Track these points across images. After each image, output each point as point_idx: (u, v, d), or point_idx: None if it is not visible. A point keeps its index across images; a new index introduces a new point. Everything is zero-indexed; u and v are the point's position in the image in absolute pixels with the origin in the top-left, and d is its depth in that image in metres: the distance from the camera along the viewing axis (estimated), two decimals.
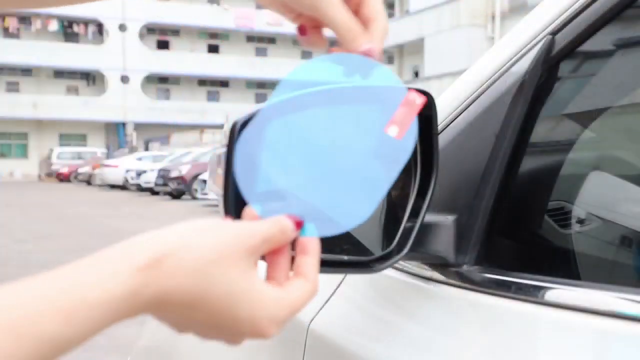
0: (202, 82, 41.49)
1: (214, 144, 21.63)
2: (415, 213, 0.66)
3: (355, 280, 0.85)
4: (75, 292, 0.35)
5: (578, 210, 0.73)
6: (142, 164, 22.49)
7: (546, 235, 0.76)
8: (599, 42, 0.69)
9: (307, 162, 0.59)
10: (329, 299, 0.86)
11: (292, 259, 0.49)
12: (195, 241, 0.41)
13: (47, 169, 33.42)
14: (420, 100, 0.56)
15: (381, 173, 0.61)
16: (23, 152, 39.00)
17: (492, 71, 0.75)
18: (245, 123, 0.54)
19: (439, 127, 0.78)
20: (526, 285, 0.61)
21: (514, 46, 0.73)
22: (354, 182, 0.62)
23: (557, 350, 0.55)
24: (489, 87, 0.74)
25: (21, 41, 36.86)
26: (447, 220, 0.72)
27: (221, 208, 0.55)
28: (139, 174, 21.41)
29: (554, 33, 0.69)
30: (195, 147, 22.82)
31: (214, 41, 41.76)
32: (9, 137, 38.64)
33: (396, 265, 0.78)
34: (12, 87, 38.17)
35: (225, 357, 1.01)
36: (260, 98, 40.94)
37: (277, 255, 0.47)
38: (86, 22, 37.64)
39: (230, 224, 0.45)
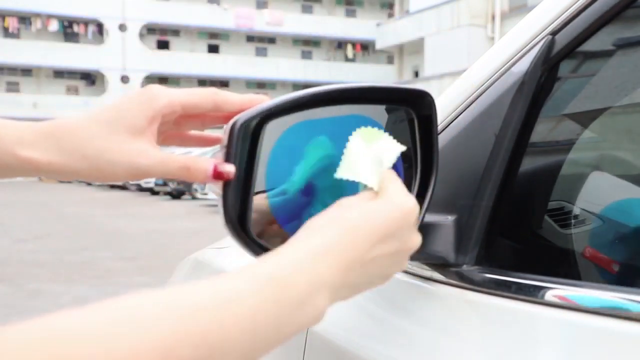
0: (202, 82, 41.47)
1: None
2: None
3: None
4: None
5: (578, 210, 0.73)
6: None
7: (546, 235, 0.76)
8: (599, 42, 0.69)
9: (314, 165, 0.60)
10: None
11: None
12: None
13: None
14: None
15: None
16: None
17: (492, 71, 0.75)
18: (244, 122, 0.54)
19: (439, 127, 0.78)
20: (526, 285, 0.61)
21: (514, 46, 0.73)
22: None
23: (557, 350, 0.55)
24: (489, 87, 0.74)
25: (21, 41, 36.86)
26: (447, 220, 0.72)
27: (220, 208, 0.55)
28: None
29: (554, 33, 0.69)
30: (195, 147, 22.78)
31: (214, 41, 41.76)
32: None
33: None
34: (12, 87, 38.17)
35: None
36: None
37: None
38: (86, 22, 37.64)
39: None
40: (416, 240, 0.55)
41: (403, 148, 0.57)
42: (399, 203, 0.52)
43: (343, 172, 0.54)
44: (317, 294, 0.45)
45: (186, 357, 0.35)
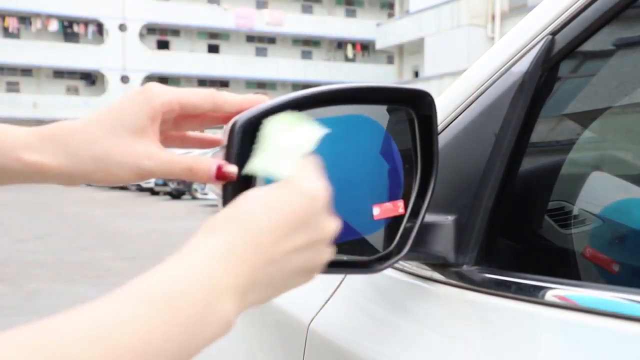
0: (202, 82, 41.47)
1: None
2: (415, 213, 0.66)
3: (355, 280, 0.85)
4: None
5: (578, 210, 0.73)
6: None
7: (546, 235, 0.76)
8: (599, 42, 0.69)
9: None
10: (329, 299, 0.86)
11: None
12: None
13: None
14: (401, 210, 0.65)
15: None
16: None
17: (492, 71, 0.75)
18: (244, 122, 0.54)
19: (439, 127, 0.78)
20: (526, 285, 0.61)
21: (514, 46, 0.73)
22: (367, 190, 0.63)
23: (557, 350, 0.55)
24: (489, 87, 0.74)
25: (21, 41, 36.86)
26: (447, 220, 0.72)
27: (220, 207, 0.55)
28: None
29: (554, 33, 0.69)
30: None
31: (214, 41, 41.75)
32: None
33: (396, 265, 0.78)
34: (12, 87, 38.17)
35: (225, 357, 1.01)
36: None
37: None
38: (86, 22, 37.66)
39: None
40: (330, 226, 0.50)
41: (323, 132, 0.53)
42: (305, 189, 0.48)
43: (254, 166, 0.50)
44: (219, 303, 0.41)
45: None
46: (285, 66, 40.89)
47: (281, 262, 0.46)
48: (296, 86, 40.13)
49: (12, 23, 35.86)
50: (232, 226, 0.44)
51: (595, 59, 0.74)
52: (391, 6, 40.56)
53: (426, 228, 0.71)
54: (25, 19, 36.43)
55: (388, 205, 0.64)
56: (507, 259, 0.74)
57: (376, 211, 0.63)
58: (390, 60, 39.75)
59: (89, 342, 0.34)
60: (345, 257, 0.64)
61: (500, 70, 0.73)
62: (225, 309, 0.41)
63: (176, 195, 17.93)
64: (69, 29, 37.69)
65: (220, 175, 0.53)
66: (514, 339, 0.59)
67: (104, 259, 7.74)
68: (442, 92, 0.84)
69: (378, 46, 33.56)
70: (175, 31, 41.11)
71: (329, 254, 0.51)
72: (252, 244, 0.44)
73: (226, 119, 0.57)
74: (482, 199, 0.70)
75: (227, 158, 0.54)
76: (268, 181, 0.58)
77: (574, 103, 0.77)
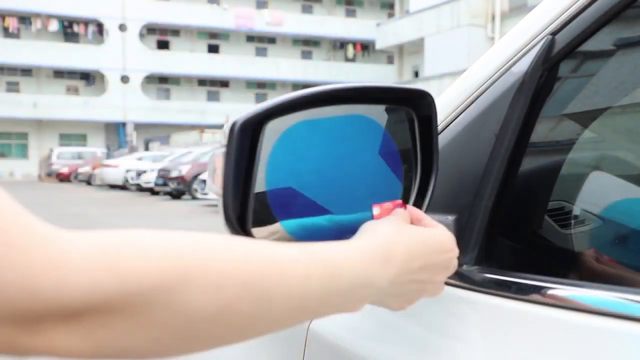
0: (202, 82, 41.48)
1: (214, 144, 21.61)
2: None
3: None
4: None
5: (578, 210, 0.73)
6: (142, 164, 22.45)
7: (546, 235, 0.76)
8: (599, 42, 0.69)
9: (317, 164, 0.60)
10: None
11: None
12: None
13: (47, 169, 33.38)
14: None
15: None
16: (23, 152, 38.97)
17: (492, 71, 0.75)
18: (244, 122, 0.54)
19: (439, 127, 0.78)
20: (526, 285, 0.61)
21: (514, 46, 0.73)
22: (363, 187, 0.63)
23: (557, 350, 0.55)
24: (489, 87, 0.74)
25: (21, 41, 36.85)
26: (447, 220, 0.72)
27: (220, 207, 0.55)
28: (139, 174, 21.37)
29: (554, 33, 0.69)
30: (195, 147, 22.78)
31: (214, 41, 41.74)
32: (9, 137, 38.61)
33: None
34: (12, 87, 38.15)
35: (225, 357, 1.01)
36: (260, 98, 40.90)
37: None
38: (86, 22, 37.65)
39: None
40: (447, 274, 0.60)
41: None
42: (448, 239, 0.59)
43: None
44: (363, 288, 0.50)
45: (235, 291, 0.41)
46: (285, 66, 40.88)
47: (407, 286, 0.56)
48: (296, 86, 40.12)
49: (12, 23, 35.86)
50: (400, 239, 0.55)
51: (595, 59, 0.74)
52: (391, 6, 40.56)
53: None
54: (25, 19, 36.42)
55: (388, 205, 0.64)
56: (507, 259, 0.74)
57: (376, 211, 0.63)
58: (390, 60, 39.75)
59: (256, 258, 0.43)
60: None
61: (500, 70, 0.73)
62: (364, 295, 0.51)
63: (176, 195, 17.90)
64: (69, 29, 37.67)
65: None
66: (514, 339, 0.59)
67: None
68: (442, 92, 0.84)
69: (378, 46, 33.56)
70: (175, 31, 41.09)
71: (436, 291, 0.60)
72: (404, 264, 0.54)
73: None
74: (482, 199, 0.70)
75: (227, 158, 0.54)
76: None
77: (574, 103, 0.77)
